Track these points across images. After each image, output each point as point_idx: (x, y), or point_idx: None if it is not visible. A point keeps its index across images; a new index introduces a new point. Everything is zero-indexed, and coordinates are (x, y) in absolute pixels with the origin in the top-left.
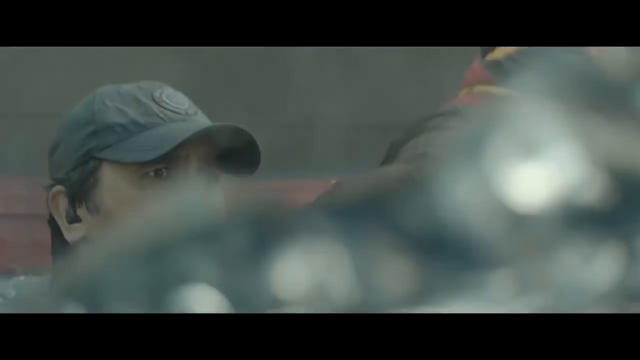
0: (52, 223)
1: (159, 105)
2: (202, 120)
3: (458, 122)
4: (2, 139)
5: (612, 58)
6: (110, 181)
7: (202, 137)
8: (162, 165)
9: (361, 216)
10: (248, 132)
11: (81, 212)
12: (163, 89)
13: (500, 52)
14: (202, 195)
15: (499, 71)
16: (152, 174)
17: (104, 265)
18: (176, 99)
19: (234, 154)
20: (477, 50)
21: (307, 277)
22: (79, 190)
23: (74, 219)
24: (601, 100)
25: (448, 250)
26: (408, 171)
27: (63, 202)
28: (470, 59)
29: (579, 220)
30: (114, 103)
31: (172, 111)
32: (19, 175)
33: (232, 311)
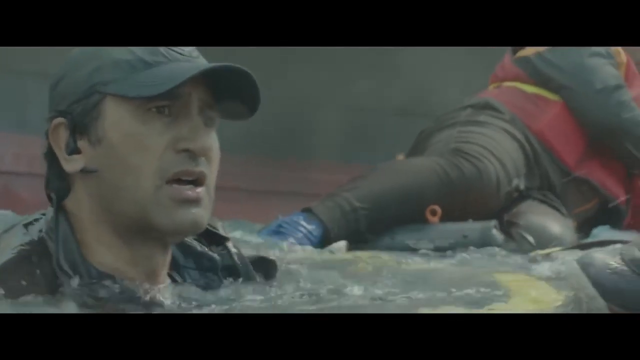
0: (49, 155)
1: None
2: (204, 63)
3: (487, 116)
4: (24, 98)
5: None
6: (114, 115)
7: (206, 77)
8: (165, 102)
9: (392, 204)
10: (250, 74)
11: (82, 144)
12: None
13: (531, 49)
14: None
15: (528, 68)
16: (154, 110)
17: None
18: None
19: (235, 95)
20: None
21: None
22: (81, 122)
23: (73, 151)
24: None
25: None
26: (443, 165)
27: (64, 134)
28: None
29: None
30: None
31: (176, 52)
32: (40, 135)
33: None
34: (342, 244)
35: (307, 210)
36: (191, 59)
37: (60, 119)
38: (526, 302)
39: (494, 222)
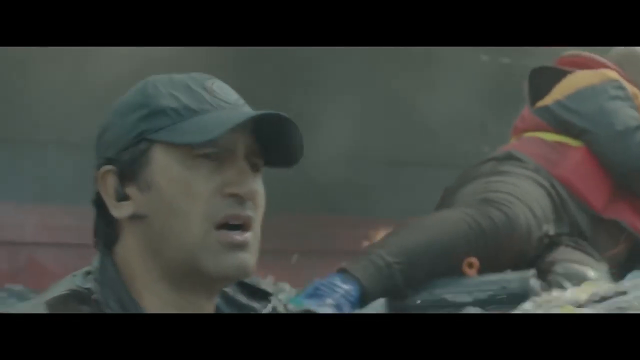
0: (98, 203)
1: (210, 94)
2: (249, 110)
3: (511, 166)
4: (51, 168)
5: None
6: (162, 161)
7: (252, 125)
8: (212, 148)
9: (426, 258)
10: (295, 124)
11: (130, 190)
12: (214, 80)
13: (549, 98)
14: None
15: (548, 117)
16: (201, 156)
17: None
18: (226, 90)
19: (279, 145)
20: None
21: None
22: (130, 169)
23: (122, 197)
24: None
25: None
26: (473, 215)
27: (112, 181)
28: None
29: None
30: (167, 89)
31: (222, 100)
32: (66, 205)
33: None
34: None
35: (342, 270)
36: (237, 107)
37: (108, 167)
38: None
39: (532, 272)
